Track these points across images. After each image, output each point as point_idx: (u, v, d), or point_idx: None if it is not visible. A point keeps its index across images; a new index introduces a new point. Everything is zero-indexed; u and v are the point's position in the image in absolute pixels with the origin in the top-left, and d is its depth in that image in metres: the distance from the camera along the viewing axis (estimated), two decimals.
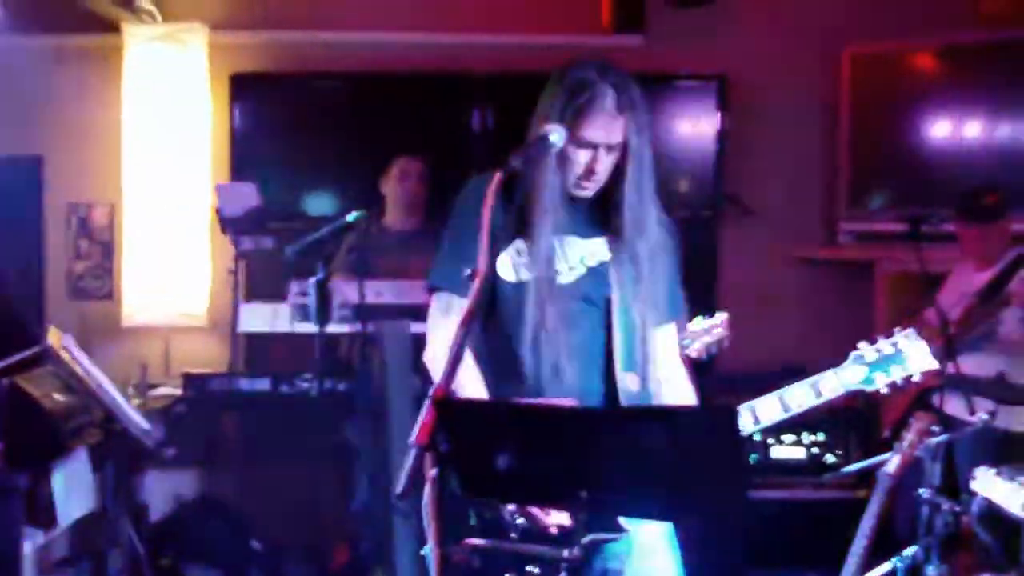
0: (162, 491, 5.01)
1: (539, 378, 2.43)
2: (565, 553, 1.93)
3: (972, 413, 3.52)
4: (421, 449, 1.94)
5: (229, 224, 4.51)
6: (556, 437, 1.86)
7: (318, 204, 5.46)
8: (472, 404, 1.93)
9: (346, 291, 4.28)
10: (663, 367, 2.52)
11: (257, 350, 5.26)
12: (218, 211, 4.54)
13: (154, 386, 5.01)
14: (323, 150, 5.38)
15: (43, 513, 3.58)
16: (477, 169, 2.51)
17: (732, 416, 1.77)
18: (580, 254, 2.51)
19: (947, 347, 3.64)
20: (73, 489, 3.70)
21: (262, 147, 5.37)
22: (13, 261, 5.35)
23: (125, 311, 5.39)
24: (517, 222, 2.47)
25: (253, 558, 4.86)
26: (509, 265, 2.49)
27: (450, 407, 1.93)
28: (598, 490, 1.89)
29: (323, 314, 3.10)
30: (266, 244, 4.53)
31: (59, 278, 5.57)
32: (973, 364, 3.91)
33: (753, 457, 4.83)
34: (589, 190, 2.47)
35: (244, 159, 5.34)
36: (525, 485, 1.92)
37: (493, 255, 2.46)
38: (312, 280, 3.09)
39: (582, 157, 2.42)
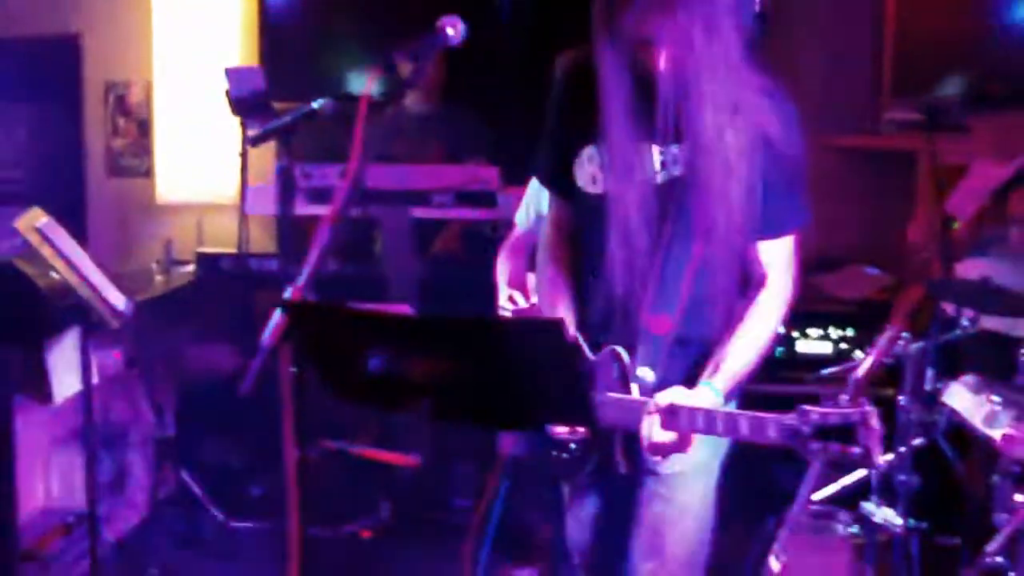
0: (190, 364, 5.15)
1: (593, 301, 2.23)
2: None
3: (958, 315, 3.36)
4: (269, 350, 1.95)
5: (237, 107, 4.51)
6: (392, 344, 1.84)
7: (353, 83, 5.42)
8: (316, 308, 1.91)
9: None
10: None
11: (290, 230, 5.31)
12: (227, 94, 4.55)
13: (184, 263, 5.12)
14: (350, 28, 5.32)
15: (39, 388, 3.72)
16: (501, 50, 2.19)
17: (559, 328, 1.71)
18: (652, 167, 2.15)
19: (945, 251, 3.45)
20: (70, 365, 3.82)
21: (290, 26, 5.34)
22: (53, 139, 5.48)
23: (159, 189, 5.50)
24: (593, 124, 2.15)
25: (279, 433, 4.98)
26: (581, 172, 2.24)
27: (297, 310, 1.92)
28: (441, 399, 1.87)
29: (286, 201, 3.09)
30: (272, 127, 4.51)
31: (98, 156, 5.69)
32: (978, 268, 3.70)
33: (778, 351, 4.70)
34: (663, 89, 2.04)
35: (273, 38, 5.32)
36: (373, 390, 1.91)
37: (559, 158, 2.27)
38: (277, 167, 3.08)
39: (639, 54, 2.03)
